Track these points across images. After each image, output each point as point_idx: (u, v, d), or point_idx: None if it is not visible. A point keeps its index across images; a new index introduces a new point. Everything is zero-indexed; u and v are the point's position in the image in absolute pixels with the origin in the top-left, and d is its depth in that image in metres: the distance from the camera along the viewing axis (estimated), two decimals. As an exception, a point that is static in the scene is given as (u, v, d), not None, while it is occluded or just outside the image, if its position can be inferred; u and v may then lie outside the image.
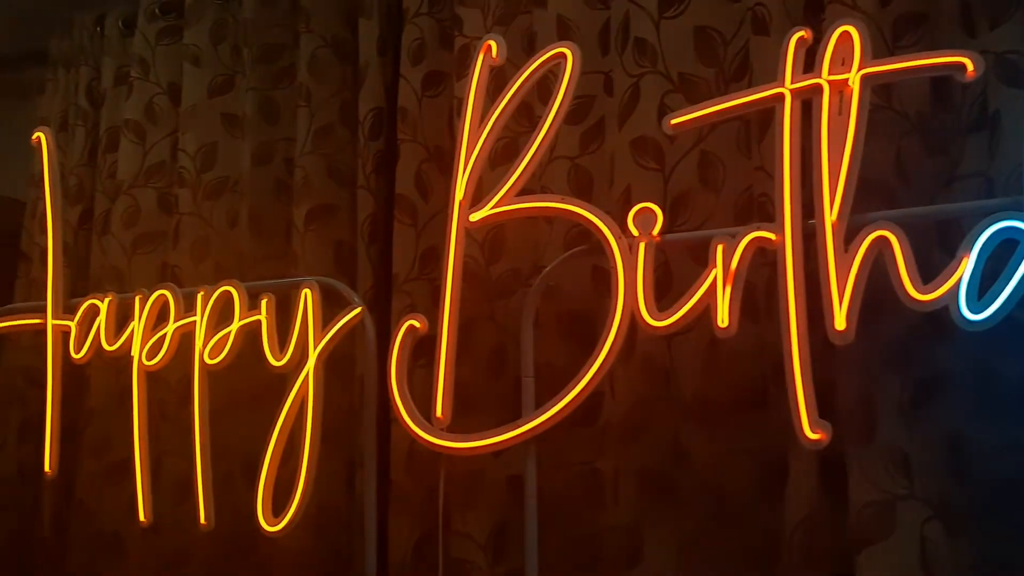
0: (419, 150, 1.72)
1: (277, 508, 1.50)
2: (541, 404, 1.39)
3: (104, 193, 2.04)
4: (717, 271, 1.28)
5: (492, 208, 1.43)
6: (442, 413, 1.41)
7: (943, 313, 1.17)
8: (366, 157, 1.76)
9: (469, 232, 1.59)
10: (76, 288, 1.92)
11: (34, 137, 1.76)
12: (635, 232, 1.35)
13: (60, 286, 1.71)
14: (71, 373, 1.79)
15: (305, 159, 1.82)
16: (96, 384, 1.90)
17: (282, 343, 1.53)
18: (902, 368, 1.27)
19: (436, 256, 1.68)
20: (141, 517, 1.58)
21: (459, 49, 1.69)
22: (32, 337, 1.92)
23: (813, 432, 1.20)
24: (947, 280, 1.16)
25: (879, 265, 1.20)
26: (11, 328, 1.77)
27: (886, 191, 1.32)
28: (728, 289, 1.27)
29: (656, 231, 1.34)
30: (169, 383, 1.79)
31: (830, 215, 1.22)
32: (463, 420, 1.51)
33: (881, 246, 1.20)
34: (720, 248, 1.29)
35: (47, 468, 1.65)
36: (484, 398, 1.59)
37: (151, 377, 1.69)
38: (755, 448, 1.39)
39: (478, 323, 1.62)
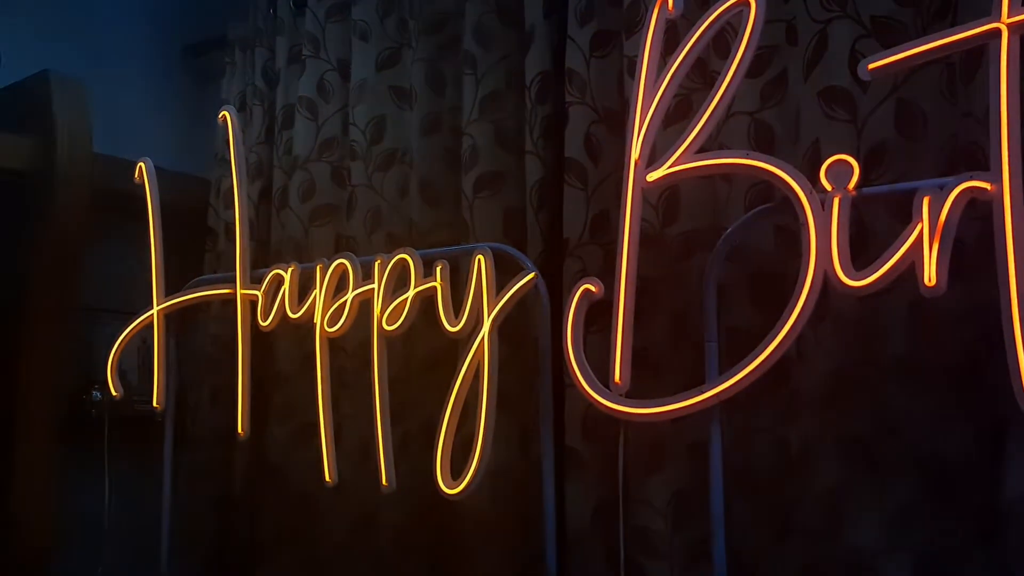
0: (588, 112, 1.68)
1: (456, 471, 1.51)
2: (724, 370, 1.33)
3: (281, 169, 2.11)
4: (923, 225, 1.18)
5: (669, 167, 1.38)
6: (620, 378, 1.37)
7: None
8: (533, 122, 1.74)
9: (644, 193, 1.57)
10: (258, 260, 1.99)
11: (220, 115, 1.84)
12: (828, 186, 1.26)
13: (247, 258, 1.78)
14: (258, 340, 1.88)
15: (472, 127, 1.82)
16: (281, 351, 1.97)
17: (456, 310, 1.54)
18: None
19: (607, 220, 1.65)
20: (327, 478, 1.63)
21: (628, 6, 1.63)
22: (220, 307, 2.03)
23: (1035, 393, 1.10)
24: None
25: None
26: (203, 298, 1.87)
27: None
28: (936, 245, 1.17)
29: (852, 185, 1.25)
30: (346, 350, 1.85)
31: (1056, 159, 1.11)
32: (641, 386, 1.47)
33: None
34: (927, 201, 1.19)
35: (240, 430, 1.73)
36: (663, 364, 1.55)
37: (332, 344, 1.75)
38: (970, 415, 1.29)
39: (654, 286, 1.57)
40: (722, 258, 1.39)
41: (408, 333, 1.65)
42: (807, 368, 1.41)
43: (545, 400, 1.52)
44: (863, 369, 1.36)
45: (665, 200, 1.60)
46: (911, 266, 1.19)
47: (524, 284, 1.51)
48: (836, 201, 1.25)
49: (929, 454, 1.31)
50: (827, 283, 1.25)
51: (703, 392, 1.33)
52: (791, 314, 1.26)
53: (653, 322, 1.57)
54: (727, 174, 1.50)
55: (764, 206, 1.38)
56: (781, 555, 1.41)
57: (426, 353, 1.78)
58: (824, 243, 1.25)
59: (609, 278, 1.51)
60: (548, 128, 1.74)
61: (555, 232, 1.70)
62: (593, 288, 1.43)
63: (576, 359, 1.42)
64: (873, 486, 1.33)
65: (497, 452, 1.66)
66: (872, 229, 1.36)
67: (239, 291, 1.76)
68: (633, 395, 1.39)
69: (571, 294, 1.44)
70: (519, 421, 1.70)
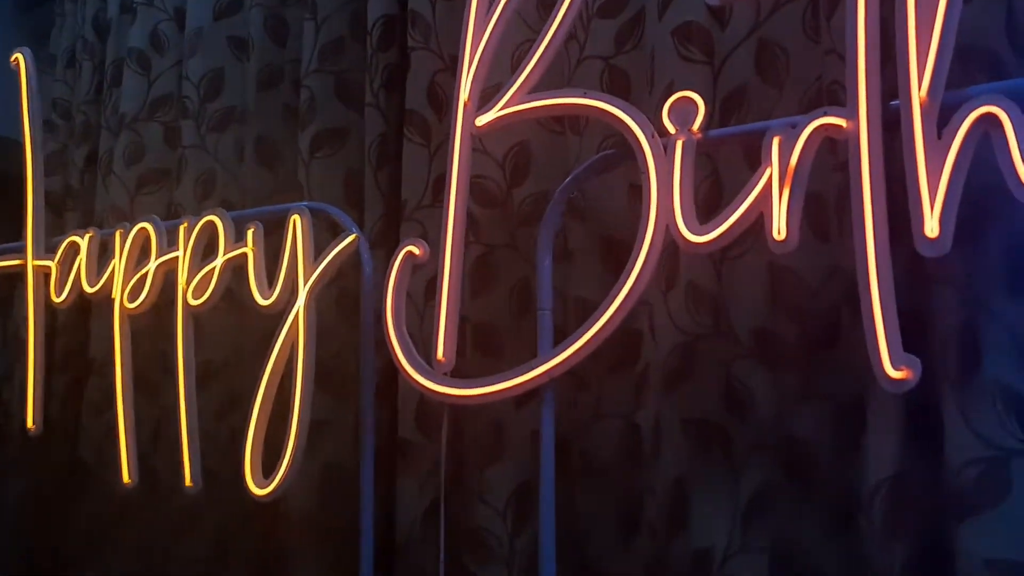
0: (432, 59, 1.49)
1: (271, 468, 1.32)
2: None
3: (109, 130, 1.88)
4: (773, 169, 1.02)
5: (501, 109, 1.19)
6: (444, 355, 1.19)
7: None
8: (375, 71, 1.55)
9: (485, 147, 1.39)
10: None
11: (12, 58, 1.60)
12: (671, 129, 1.09)
13: (41, 224, 1.54)
14: (74, 319, 1.66)
15: (311, 78, 1.61)
16: (95, 331, 1.75)
17: (272, 280, 1.34)
18: (1016, 286, 0.99)
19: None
20: (125, 478, 1.42)
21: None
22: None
23: (896, 370, 0.94)
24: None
25: (984, 154, 0.93)
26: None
27: (992, 60, 1.03)
28: (787, 192, 1.01)
29: (697, 126, 1.08)
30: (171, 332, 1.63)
31: (918, 92, 0.95)
32: (484, 364, 1.30)
33: (987, 127, 0.92)
34: (777, 141, 1.02)
35: (29, 423, 1.50)
36: (508, 340, 1.37)
37: (154, 326, 1.53)
38: (828, 392, 1.13)
39: (500, 254, 1.40)
40: (558, 213, 1.21)
41: (241, 309, 1.45)
42: (657, 343, 1.24)
43: (366, 384, 1.33)
44: (715, 342, 1.19)
45: (513, 158, 1.42)
46: (762, 220, 1.02)
47: (344, 248, 1.31)
48: (679, 145, 1.08)
49: (785, 437, 1.15)
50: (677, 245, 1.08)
51: (532, 369, 1.15)
52: (628, 277, 1.09)
53: (498, 293, 1.39)
54: (564, 116, 1.34)
55: (603, 153, 1.21)
56: (629, 552, 1.24)
57: (262, 333, 1.57)
58: (665, 194, 1.08)
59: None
60: (390, 78, 1.55)
61: (396, 193, 1.51)
62: (416, 250, 1.24)
63: (396, 332, 1.22)
64: (725, 475, 1.16)
65: (327, 445, 1.48)
66: (729, 182, 1.19)
67: (30, 262, 1.53)
68: (475, 374, 1.21)
69: (392, 257, 1.25)
70: (355, 407, 1.50)
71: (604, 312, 1.10)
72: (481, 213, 1.41)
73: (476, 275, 1.39)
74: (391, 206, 1.52)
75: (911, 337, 0.96)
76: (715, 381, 1.19)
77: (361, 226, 1.49)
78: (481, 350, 1.38)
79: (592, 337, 1.11)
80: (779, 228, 1.01)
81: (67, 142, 1.99)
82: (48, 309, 1.54)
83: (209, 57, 1.78)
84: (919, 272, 1.02)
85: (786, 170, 1.01)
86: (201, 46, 1.78)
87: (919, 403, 1.03)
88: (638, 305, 1.26)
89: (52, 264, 1.51)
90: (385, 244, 1.48)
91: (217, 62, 1.78)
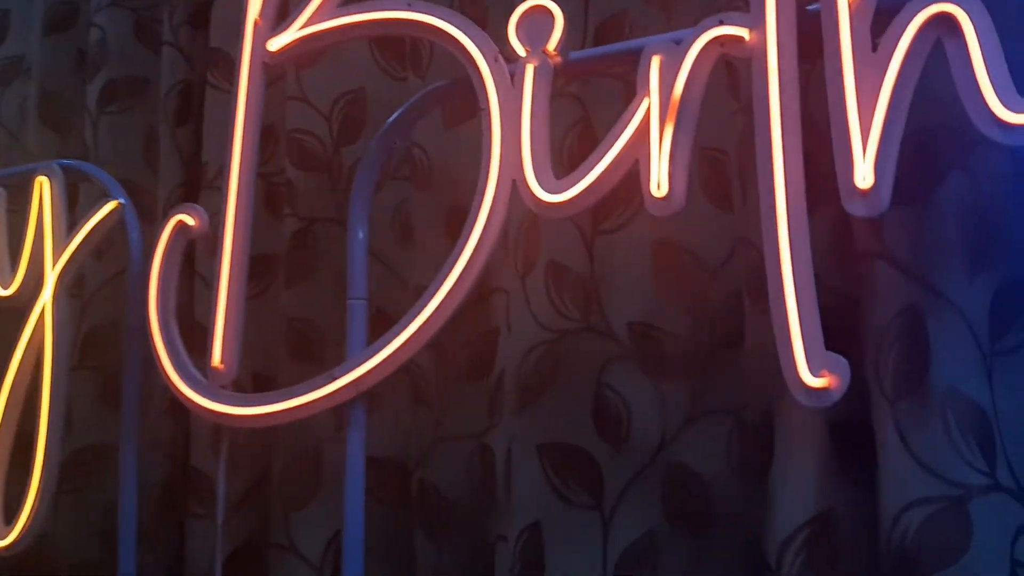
0: (245, -15, 1.19)
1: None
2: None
3: None
4: (651, 101, 0.74)
5: (302, 28, 0.90)
6: (222, 360, 0.88)
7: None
8: (175, 1, 1.23)
9: (307, 95, 1.10)
10: None
11: None
12: (521, 51, 0.81)
13: None
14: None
15: (103, 15, 1.29)
16: None
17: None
18: (978, 261, 0.73)
19: (273, 136, 1.15)
20: None
21: None
22: None
23: (814, 376, 0.67)
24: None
25: (936, 73, 0.67)
26: None
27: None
28: (670, 131, 0.73)
29: (553, 46, 0.80)
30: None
31: (846, -11, 0.69)
32: (304, 371, 1.00)
33: (940, 33, 0.66)
34: (656, 62, 0.75)
35: None
36: (332, 339, 1.06)
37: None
38: (728, 407, 0.86)
39: (323, 229, 1.10)
40: (374, 169, 0.92)
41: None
42: (512, 343, 0.95)
43: (128, 398, 1.00)
44: (584, 341, 0.91)
45: (343, 109, 1.12)
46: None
47: (104, 219, 0.99)
48: (529, 71, 0.80)
49: (672, 467, 0.87)
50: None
51: (333, 379, 0.84)
52: (460, 253, 0.80)
53: (320, 280, 1.09)
54: (406, 56, 1.05)
55: (432, 86, 0.91)
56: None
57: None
58: (511, 136, 0.79)
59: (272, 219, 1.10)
60: (197, 11, 1.23)
61: (200, 155, 1.20)
62: (191, 220, 0.93)
63: (161, 329, 0.91)
64: (592, 519, 0.88)
65: (102, 479, 1.15)
66: (606, 132, 0.91)
67: None
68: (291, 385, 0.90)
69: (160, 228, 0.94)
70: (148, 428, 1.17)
71: (428, 302, 0.81)
72: (300, 178, 1.11)
73: (292, 257, 1.09)
74: (193, 171, 1.20)
75: (836, 332, 0.71)
76: (582, 393, 0.90)
77: (154, 197, 1.19)
78: (296, 354, 1.07)
79: (413, 336, 0.82)
80: (658, 181, 0.73)
81: None
82: None
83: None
84: (847, 245, 0.76)
85: (668, 102, 0.73)
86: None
87: (846, 422, 0.76)
88: (494, 294, 0.99)
89: None
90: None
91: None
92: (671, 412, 0.89)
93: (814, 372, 0.67)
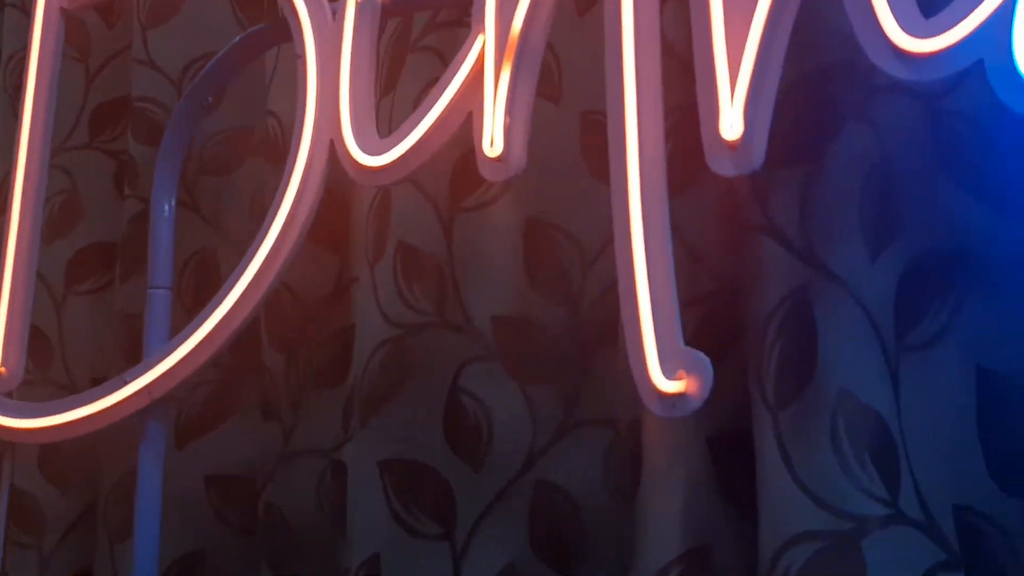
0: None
1: None
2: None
3: None
4: (485, 38, 0.61)
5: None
6: (3, 363, 0.74)
7: (968, 86, 0.51)
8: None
9: (153, 58, 0.96)
10: None
11: None
12: (343, -14, 0.67)
13: None
14: None
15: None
16: None
17: None
18: (881, 235, 0.59)
19: (127, 108, 1.01)
20: None
21: None
22: None
23: (668, 379, 0.53)
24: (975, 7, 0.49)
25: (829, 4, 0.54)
26: None
27: None
28: (507, 73, 0.60)
29: (380, -21, 0.66)
30: None
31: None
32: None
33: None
34: (492, -7, 0.61)
35: None
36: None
37: None
38: (606, 416, 0.72)
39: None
40: (183, 125, 0.77)
41: None
42: (362, 341, 0.80)
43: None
44: (439, 339, 0.77)
45: (195, 75, 0.97)
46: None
47: None
48: (351, 6, 0.66)
49: (539, 486, 0.73)
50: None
51: (125, 383, 0.70)
52: (268, 228, 0.66)
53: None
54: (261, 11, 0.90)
55: (250, 30, 0.78)
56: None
57: None
58: (329, 86, 0.65)
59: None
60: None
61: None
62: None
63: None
64: (439, 551, 0.73)
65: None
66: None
67: None
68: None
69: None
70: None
71: (229, 291, 0.67)
72: (144, 153, 0.97)
73: (128, 245, 0.95)
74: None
75: (721, 326, 0.57)
76: (433, 400, 0.76)
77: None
78: (132, 356, 0.92)
79: (213, 332, 0.67)
80: (491, 136, 0.59)
81: None
82: None
83: None
84: (720, 215, 0.62)
85: (506, 39, 0.60)
86: None
87: (729, 435, 0.62)
88: (352, 284, 0.85)
89: None
90: (21, 202, 1.03)
91: None
92: (541, 422, 0.75)
93: (668, 374, 0.53)
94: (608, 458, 0.72)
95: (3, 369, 0.74)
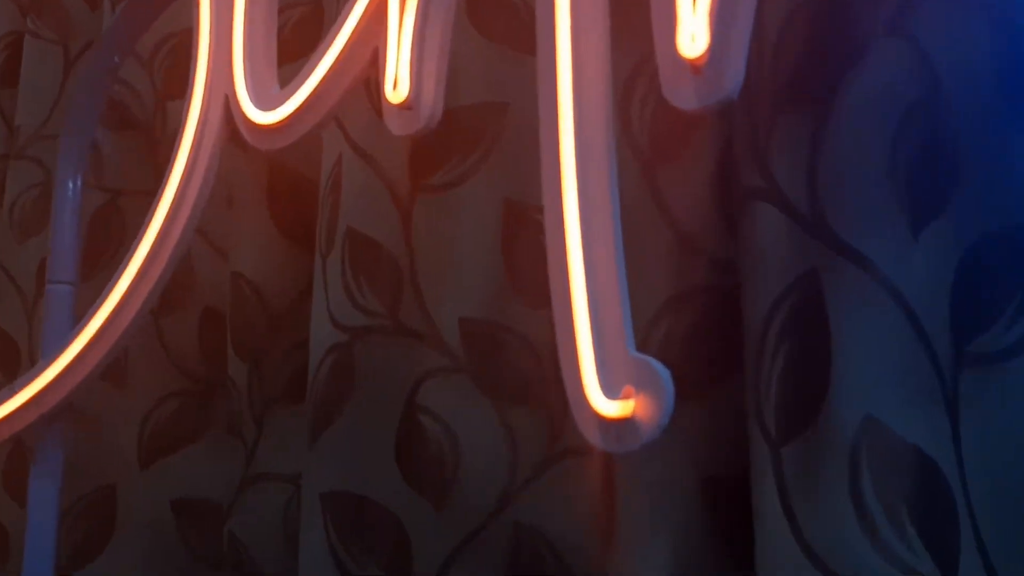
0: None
1: None
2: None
3: None
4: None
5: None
6: None
7: None
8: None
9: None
10: None
11: None
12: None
13: None
14: None
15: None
16: None
17: None
18: (928, 204, 0.41)
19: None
20: None
21: None
22: None
23: (608, 398, 0.38)
24: None
25: None
26: None
27: None
28: (413, 6, 0.46)
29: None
30: None
31: None
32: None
33: None
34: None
35: None
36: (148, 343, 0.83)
37: None
38: (586, 443, 0.57)
39: (134, 204, 0.84)
40: (90, 88, 0.67)
41: None
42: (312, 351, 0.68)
43: None
44: (393, 345, 0.63)
45: (166, 57, 0.88)
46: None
47: None
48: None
49: (513, 527, 0.58)
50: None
51: (13, 394, 0.59)
52: (156, 205, 0.55)
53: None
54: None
55: None
56: None
57: None
58: (224, 35, 0.53)
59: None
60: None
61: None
62: None
63: None
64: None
65: None
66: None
67: None
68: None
69: None
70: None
71: (117, 281, 0.55)
72: (113, 141, 0.88)
73: (92, 240, 0.86)
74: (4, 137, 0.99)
75: (718, 329, 0.42)
76: (386, 420, 0.62)
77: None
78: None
79: (99, 333, 0.56)
80: (395, 77, 0.45)
81: None
82: None
83: None
84: (718, 190, 0.46)
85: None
86: None
87: (726, 478, 0.46)
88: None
89: None
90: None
91: None
92: (520, 450, 0.61)
93: (607, 392, 0.38)
94: (579, 494, 0.57)
95: None
